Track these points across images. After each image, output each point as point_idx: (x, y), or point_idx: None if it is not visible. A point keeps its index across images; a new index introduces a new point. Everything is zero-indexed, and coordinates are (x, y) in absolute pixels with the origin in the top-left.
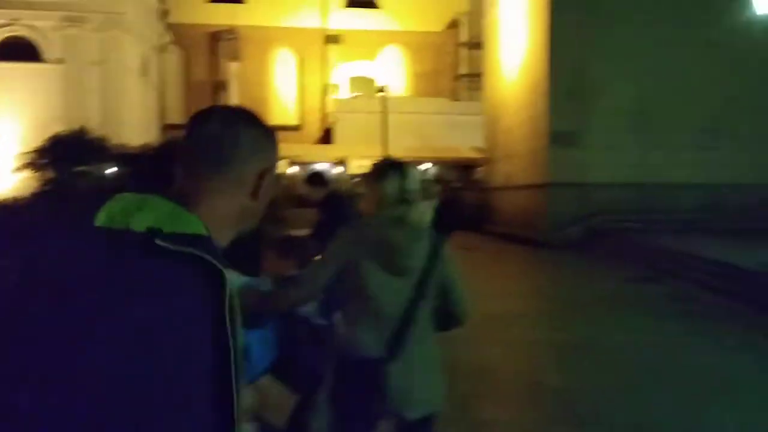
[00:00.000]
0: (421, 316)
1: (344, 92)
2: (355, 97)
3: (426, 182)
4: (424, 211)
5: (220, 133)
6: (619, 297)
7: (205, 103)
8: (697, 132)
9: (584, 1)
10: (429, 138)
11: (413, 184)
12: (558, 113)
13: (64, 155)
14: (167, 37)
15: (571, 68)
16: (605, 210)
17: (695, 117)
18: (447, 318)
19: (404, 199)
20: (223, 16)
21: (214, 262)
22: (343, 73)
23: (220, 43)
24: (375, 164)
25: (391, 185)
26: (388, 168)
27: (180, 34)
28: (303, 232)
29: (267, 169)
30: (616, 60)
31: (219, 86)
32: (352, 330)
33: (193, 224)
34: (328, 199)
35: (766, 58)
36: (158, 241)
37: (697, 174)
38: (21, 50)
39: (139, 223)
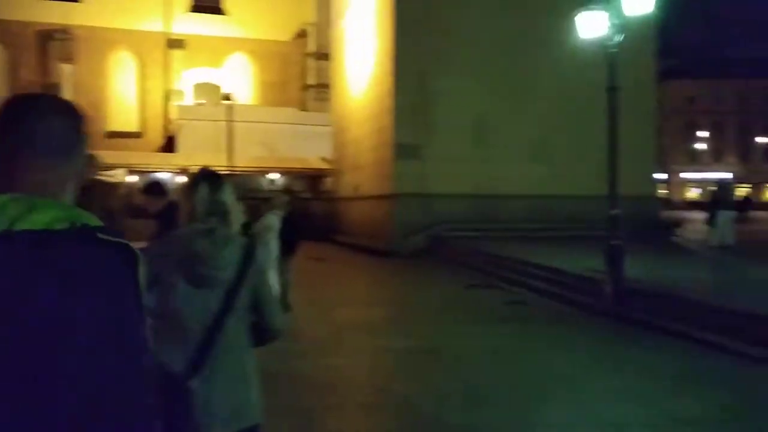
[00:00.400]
0: (231, 328)
1: (189, 99)
2: (200, 104)
3: (274, 193)
4: (269, 223)
5: (55, 123)
6: (460, 303)
7: None
8: (527, 147)
9: (427, 19)
10: (277, 148)
11: (225, 195)
12: (402, 126)
13: None
14: None
15: (415, 82)
16: (447, 220)
17: (526, 133)
18: (261, 332)
19: (216, 210)
20: (55, 15)
21: (132, 247)
22: (187, 79)
23: (51, 42)
24: (189, 175)
25: (201, 196)
26: (200, 179)
27: (5, 32)
28: (140, 245)
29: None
30: (458, 76)
31: (49, 89)
32: (158, 346)
33: (92, 217)
34: (166, 209)
35: (589, 81)
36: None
37: (528, 186)
38: None
39: (38, 222)
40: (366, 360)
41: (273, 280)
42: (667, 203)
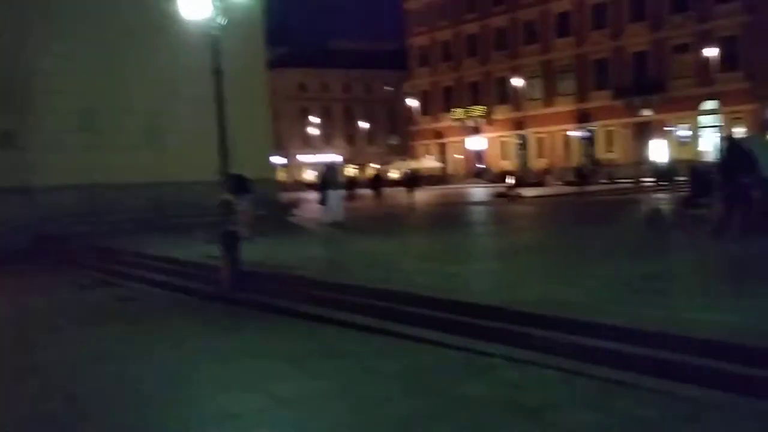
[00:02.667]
0: None
1: None
2: None
3: None
4: None
5: None
6: (73, 307)
7: None
8: (141, 134)
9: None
10: None
11: None
12: None
13: None
14: None
15: (9, 63)
16: (54, 216)
17: (140, 120)
18: None
19: None
20: None
21: None
22: None
23: None
24: None
25: None
26: None
27: None
28: None
29: None
30: (64, 59)
31: None
32: None
33: None
34: None
35: (200, 66)
36: None
37: (143, 174)
38: None
39: None
40: None
41: None
42: (287, 185)
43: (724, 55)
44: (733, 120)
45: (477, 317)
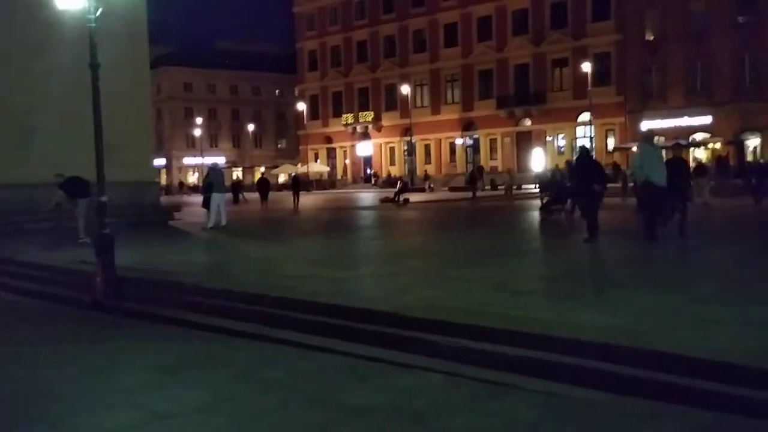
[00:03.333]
0: None
1: None
2: None
3: None
4: None
5: None
6: None
7: None
8: (11, 133)
9: None
10: None
11: None
12: None
13: None
14: None
15: None
16: None
17: (11, 118)
18: None
19: None
20: None
21: None
22: None
23: None
24: None
25: None
26: None
27: None
28: None
29: None
30: None
31: None
32: None
33: None
34: None
35: (76, 61)
36: None
37: (13, 176)
38: None
39: None
40: None
41: None
42: (169, 188)
43: (597, 70)
44: (606, 131)
45: (363, 322)
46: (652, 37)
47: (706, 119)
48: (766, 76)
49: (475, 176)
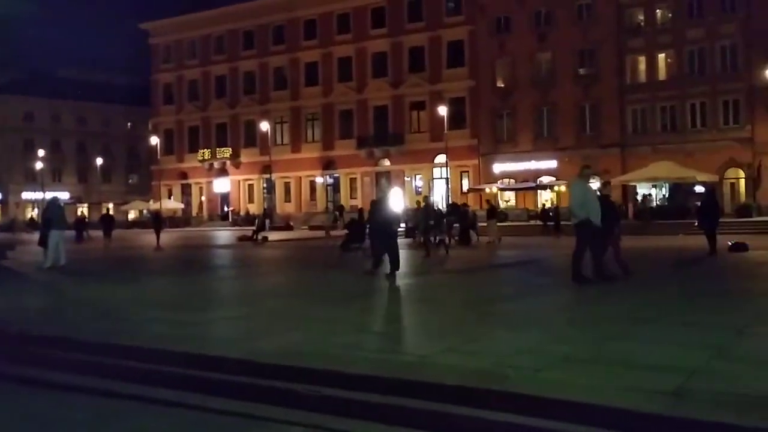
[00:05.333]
0: None
1: None
2: None
3: None
4: None
5: None
6: None
7: None
8: None
9: None
10: None
11: None
12: None
13: None
14: None
15: None
16: None
17: None
18: None
19: None
20: None
21: None
22: None
23: None
24: None
25: None
26: None
27: None
28: None
29: None
30: None
31: None
32: None
33: None
34: None
35: None
36: None
37: None
38: None
39: None
40: None
41: None
42: (12, 225)
43: (453, 114)
44: (461, 173)
45: (214, 371)
46: (503, 84)
47: (552, 163)
48: (604, 124)
49: (330, 215)
